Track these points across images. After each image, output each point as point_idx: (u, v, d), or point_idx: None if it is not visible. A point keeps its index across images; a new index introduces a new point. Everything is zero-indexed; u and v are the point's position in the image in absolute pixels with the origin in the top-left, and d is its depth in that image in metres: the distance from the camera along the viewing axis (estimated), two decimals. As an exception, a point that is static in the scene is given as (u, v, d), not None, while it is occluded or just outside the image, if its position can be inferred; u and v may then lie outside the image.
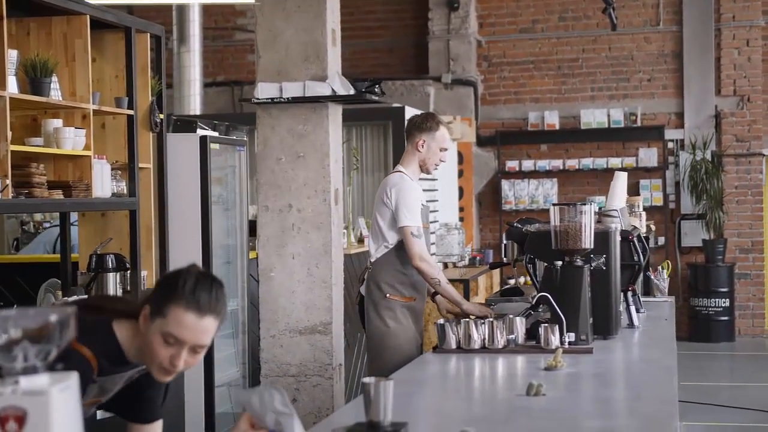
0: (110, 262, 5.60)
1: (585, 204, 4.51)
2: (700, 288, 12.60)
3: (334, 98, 5.80)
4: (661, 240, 12.85)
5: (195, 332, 2.61)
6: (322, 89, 5.77)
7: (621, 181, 5.81)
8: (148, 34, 6.11)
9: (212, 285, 2.66)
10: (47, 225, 9.18)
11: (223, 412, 6.85)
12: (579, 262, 4.50)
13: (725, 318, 12.56)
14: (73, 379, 1.81)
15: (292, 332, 5.76)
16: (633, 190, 12.64)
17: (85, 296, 5.28)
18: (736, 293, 12.74)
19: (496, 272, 11.61)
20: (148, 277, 6.06)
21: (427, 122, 5.45)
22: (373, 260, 5.41)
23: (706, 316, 12.54)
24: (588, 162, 13.03)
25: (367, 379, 2.75)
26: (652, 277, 6.54)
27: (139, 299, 2.81)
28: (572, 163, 13.08)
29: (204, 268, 2.77)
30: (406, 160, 5.48)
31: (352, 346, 7.71)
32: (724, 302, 12.53)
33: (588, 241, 4.49)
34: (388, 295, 5.33)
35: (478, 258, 11.50)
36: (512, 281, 12.27)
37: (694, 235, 12.87)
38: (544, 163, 13.16)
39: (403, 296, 5.34)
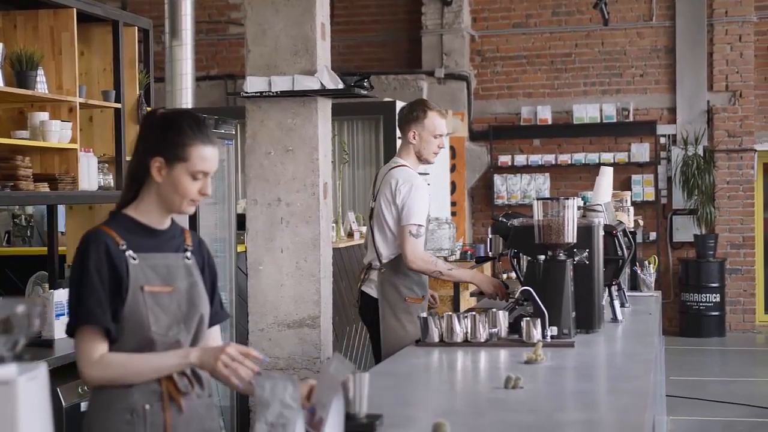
0: (96, 254, 5.60)
1: (568, 199, 4.52)
2: (691, 283, 12.63)
3: (323, 92, 5.81)
4: (653, 235, 12.87)
5: (214, 161, 2.94)
6: (311, 83, 5.77)
7: (606, 176, 5.83)
8: (136, 27, 6.11)
9: (201, 119, 3.00)
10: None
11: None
12: (562, 257, 4.51)
13: (716, 313, 12.60)
14: (41, 369, 1.83)
15: (281, 326, 5.77)
16: (625, 185, 12.68)
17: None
18: (727, 288, 12.77)
19: (488, 266, 11.63)
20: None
21: (413, 112, 5.33)
22: (385, 261, 5.26)
23: (697, 311, 12.57)
24: (580, 157, 13.05)
25: (342, 371, 2.77)
26: (639, 272, 6.56)
27: (132, 167, 2.99)
28: (564, 158, 13.10)
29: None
30: (404, 152, 5.37)
31: (341, 339, 7.73)
32: (715, 297, 12.57)
33: (571, 236, 4.50)
34: (407, 298, 5.23)
35: (469, 252, 11.52)
36: (505, 276, 12.29)
37: (685, 230, 12.90)
38: (536, 158, 13.18)
39: (419, 297, 5.27)
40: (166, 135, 2.91)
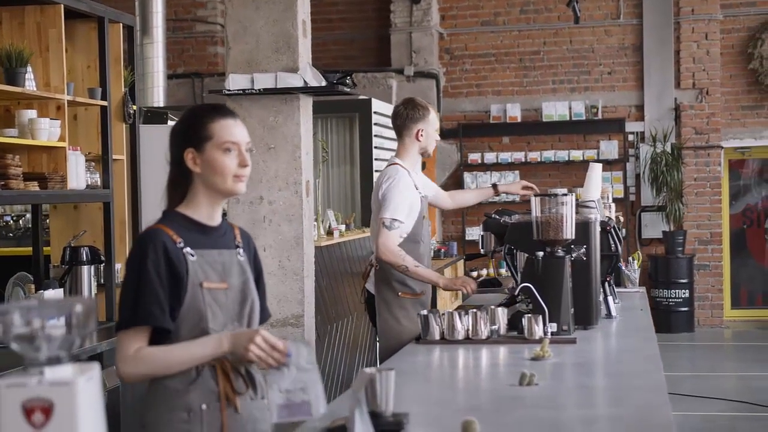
0: (84, 254, 5.52)
1: (566, 195, 4.53)
2: (660, 279, 12.73)
3: (306, 90, 5.78)
4: (622, 232, 12.94)
5: (241, 130, 2.94)
6: (294, 80, 5.74)
7: (596, 172, 5.86)
8: (121, 24, 6.03)
9: (215, 104, 3.04)
10: (8, 218, 9.06)
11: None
12: (560, 253, 4.52)
13: (685, 309, 12.70)
14: (95, 369, 1.79)
15: (264, 325, 5.72)
16: (595, 182, 12.73)
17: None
18: (696, 284, 12.88)
19: (461, 264, 11.66)
20: (122, 270, 5.99)
21: (418, 111, 5.35)
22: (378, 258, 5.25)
23: (666, 307, 12.66)
24: (550, 154, 13.10)
25: (368, 370, 2.75)
26: (623, 268, 6.58)
27: (171, 173, 2.99)
28: (534, 156, 13.14)
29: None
30: (403, 152, 5.37)
31: (323, 338, 7.69)
32: (684, 293, 12.67)
33: (569, 232, 4.51)
34: (400, 293, 5.25)
35: (442, 250, 11.54)
36: (474, 273, 12.33)
37: (654, 226, 13.00)
38: (506, 156, 13.21)
39: (414, 293, 5.27)
40: (187, 127, 2.95)
